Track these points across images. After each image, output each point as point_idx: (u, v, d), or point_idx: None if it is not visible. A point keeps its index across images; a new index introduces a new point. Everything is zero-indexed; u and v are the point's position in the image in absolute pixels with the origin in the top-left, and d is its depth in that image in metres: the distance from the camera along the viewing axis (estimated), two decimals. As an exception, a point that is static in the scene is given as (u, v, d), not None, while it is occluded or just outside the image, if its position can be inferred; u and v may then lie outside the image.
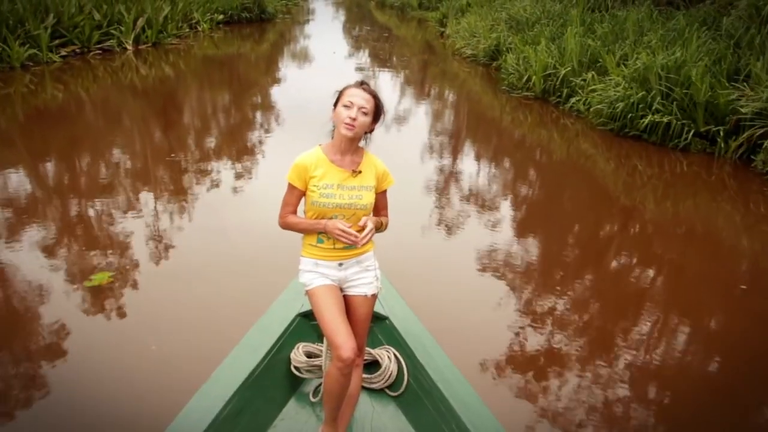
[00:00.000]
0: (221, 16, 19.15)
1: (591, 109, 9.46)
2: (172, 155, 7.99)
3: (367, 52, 18.97)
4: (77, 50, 13.53)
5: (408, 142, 9.55)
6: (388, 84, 13.62)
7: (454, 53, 15.86)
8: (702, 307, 5.18)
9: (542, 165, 8.93)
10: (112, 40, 14.22)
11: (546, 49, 11.18)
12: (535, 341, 4.32)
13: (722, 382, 4.13)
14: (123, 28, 14.48)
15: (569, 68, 10.35)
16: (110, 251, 5.23)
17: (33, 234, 5.51)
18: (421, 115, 11.44)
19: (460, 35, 16.11)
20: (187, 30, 17.15)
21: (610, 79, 9.43)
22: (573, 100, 10.04)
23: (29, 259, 5.05)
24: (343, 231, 2.47)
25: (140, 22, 14.83)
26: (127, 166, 7.60)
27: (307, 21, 26.77)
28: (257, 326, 3.14)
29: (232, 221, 5.97)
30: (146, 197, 6.52)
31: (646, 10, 11.58)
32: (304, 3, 32.30)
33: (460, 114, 11.77)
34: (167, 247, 5.39)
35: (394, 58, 17.79)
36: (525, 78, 11.10)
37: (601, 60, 10.23)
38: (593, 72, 10.05)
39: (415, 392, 2.97)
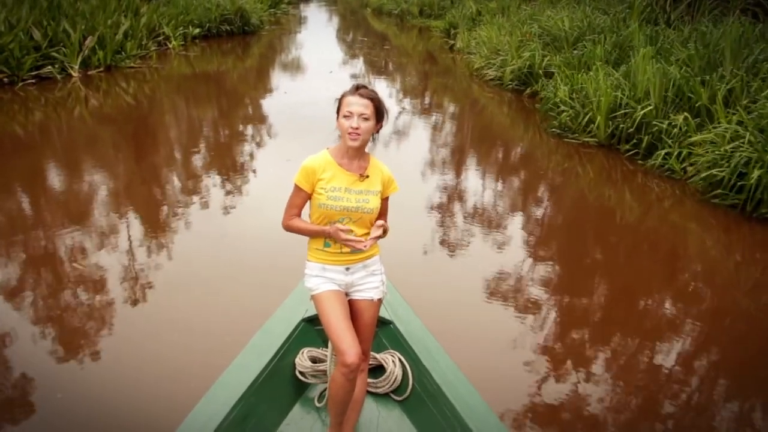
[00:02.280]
0: (197, 30, 15.99)
1: (691, 169, 6.42)
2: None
3: (367, 68, 15.82)
4: (5, 79, 10.39)
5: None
6: (394, 112, 10.54)
7: (473, 74, 12.72)
8: None
9: (609, 237, 6.02)
10: (53, 66, 11.05)
11: (606, 78, 8.11)
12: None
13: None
14: (67, 50, 11.32)
15: (650, 107, 7.27)
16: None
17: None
18: (440, 158, 8.31)
19: (477, 51, 13.00)
20: (154, 48, 13.99)
21: (721, 128, 6.37)
22: (660, 153, 6.96)
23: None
24: (348, 238, 2.37)
25: (89, 41, 11.67)
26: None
27: (298, 32, 23.57)
28: (262, 331, 3.03)
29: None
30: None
31: (735, 23, 8.46)
32: (296, 11, 29.11)
33: (490, 159, 8.68)
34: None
35: (398, 77, 14.67)
36: (583, 118, 8.01)
37: (693, 96, 7.17)
38: (685, 113, 7.00)
39: (420, 396, 2.87)
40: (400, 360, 2.99)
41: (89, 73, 11.63)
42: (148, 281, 4.74)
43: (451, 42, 17.35)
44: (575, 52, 9.98)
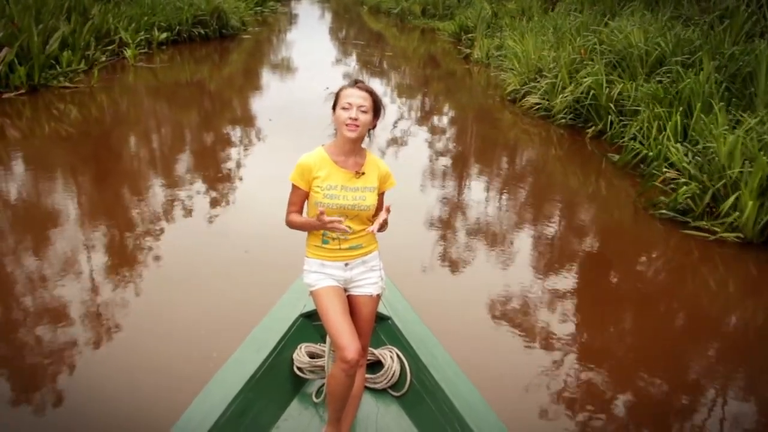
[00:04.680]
0: (164, 35, 12.83)
1: None
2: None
3: (367, 79, 12.73)
4: None
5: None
6: (408, 153, 7.53)
7: (505, 97, 9.66)
8: None
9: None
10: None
11: (744, 130, 5.14)
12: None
13: None
14: (-27, 67, 8.21)
15: None
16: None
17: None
18: (475, 240, 5.29)
19: (510, 68, 9.94)
20: (105, 59, 10.83)
21: None
22: None
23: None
24: (332, 221, 2.21)
25: (5, 53, 8.52)
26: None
27: (287, 32, 20.37)
28: (260, 327, 2.91)
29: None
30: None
31: None
32: (285, 8, 25.86)
33: (555, 247, 5.68)
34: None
35: (407, 96, 11.60)
36: (715, 199, 5.01)
37: None
38: None
39: (418, 392, 2.74)
40: (398, 356, 2.83)
41: (5, 96, 8.50)
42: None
43: (465, 50, 14.29)
44: (658, 79, 7.00)
